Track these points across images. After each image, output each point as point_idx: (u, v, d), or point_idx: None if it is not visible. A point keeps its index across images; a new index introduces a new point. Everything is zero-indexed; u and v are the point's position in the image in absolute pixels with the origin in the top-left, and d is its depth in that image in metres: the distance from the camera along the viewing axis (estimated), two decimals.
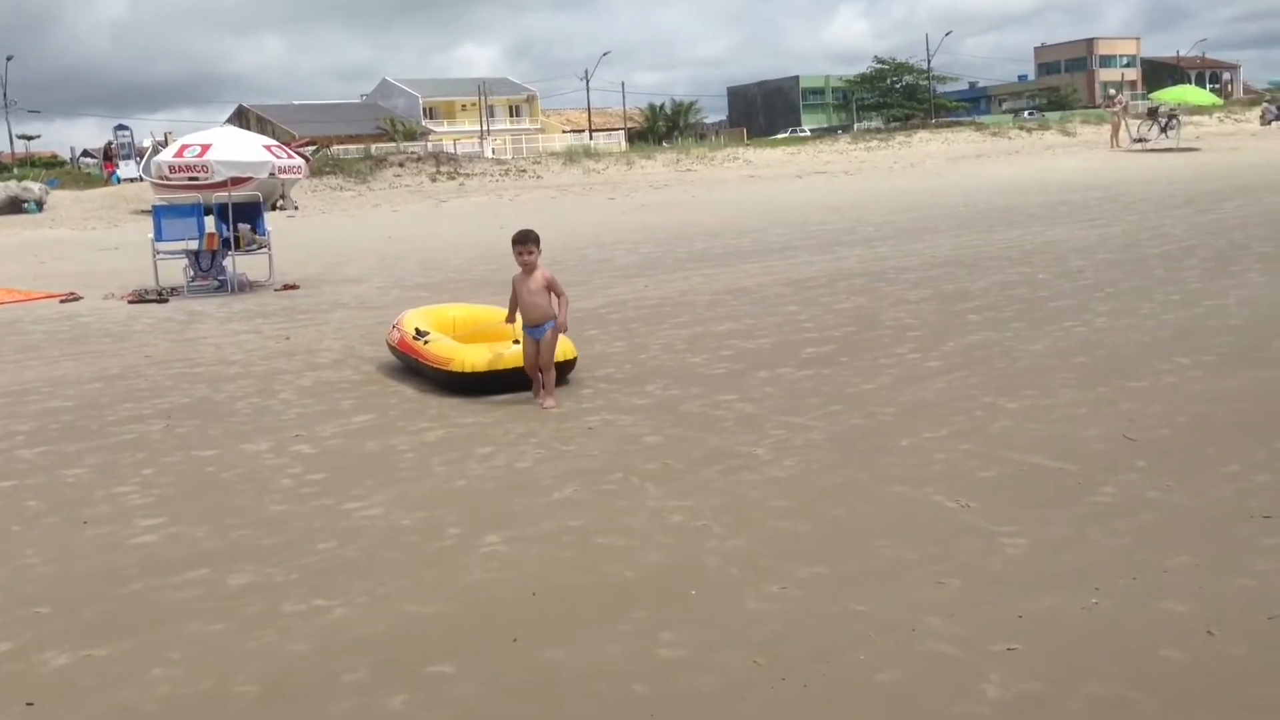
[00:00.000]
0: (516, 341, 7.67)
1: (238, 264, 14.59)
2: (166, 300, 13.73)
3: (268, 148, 25.50)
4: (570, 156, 44.01)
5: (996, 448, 6.07)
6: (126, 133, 43.00)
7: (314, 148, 46.34)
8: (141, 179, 33.33)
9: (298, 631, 4.21)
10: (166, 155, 26.30)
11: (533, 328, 7.44)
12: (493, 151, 57.45)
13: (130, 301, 13.76)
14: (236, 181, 18.98)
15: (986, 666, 3.67)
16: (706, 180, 36.25)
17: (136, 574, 4.86)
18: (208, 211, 14.62)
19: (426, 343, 8.16)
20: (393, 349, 8.80)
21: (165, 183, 24.78)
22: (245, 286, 14.46)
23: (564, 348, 7.72)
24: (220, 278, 14.47)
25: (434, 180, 37.94)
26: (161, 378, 9.12)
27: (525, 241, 7.45)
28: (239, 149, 24.01)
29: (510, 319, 7.80)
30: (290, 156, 26.45)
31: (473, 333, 8.59)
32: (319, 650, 4.04)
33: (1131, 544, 4.64)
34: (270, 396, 8.25)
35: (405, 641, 4.08)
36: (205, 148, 23.75)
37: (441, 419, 7.30)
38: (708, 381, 8.04)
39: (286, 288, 14.32)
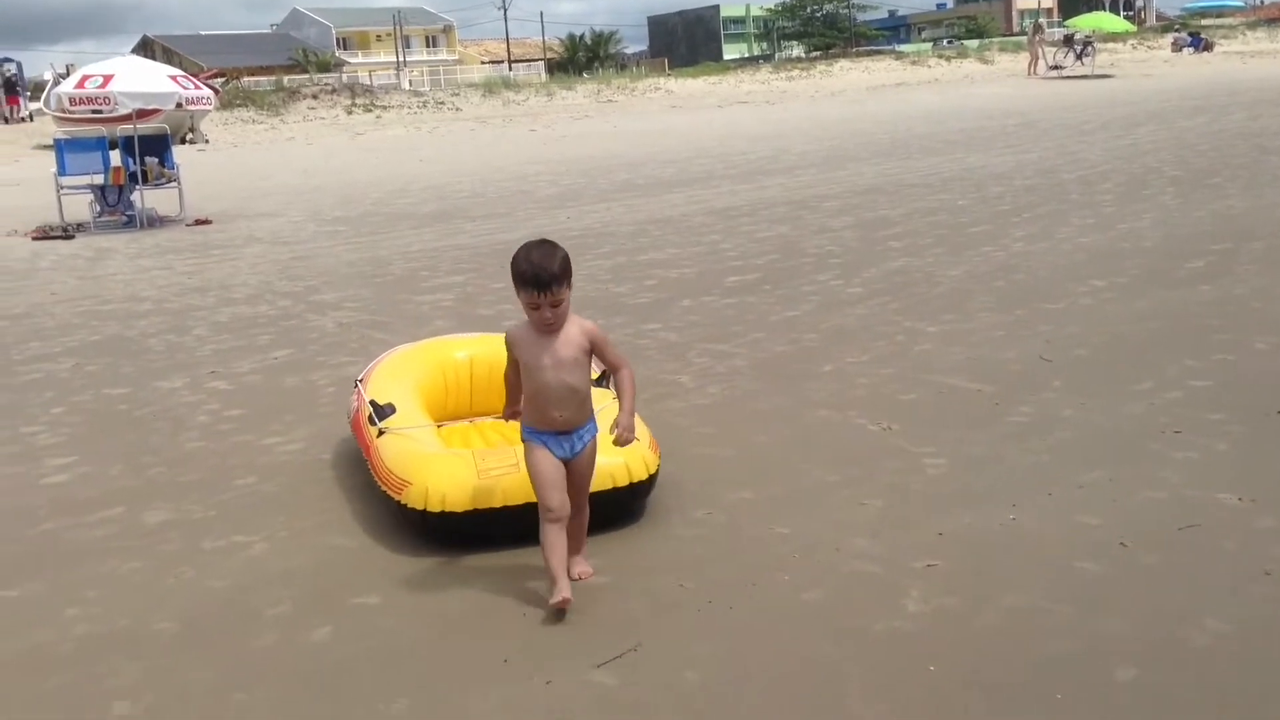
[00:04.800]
0: None
1: (146, 199, 14.16)
2: (73, 236, 13.30)
3: (173, 78, 24.75)
4: (489, 88, 43.23)
5: (917, 371, 6.14)
6: (12, 65, 40.33)
7: (223, 79, 44.94)
8: (42, 112, 32.10)
9: (218, 568, 4.14)
10: (67, 87, 25.38)
11: (557, 433, 3.74)
12: (410, 83, 56.25)
13: (35, 238, 13.31)
14: (142, 114, 18.34)
15: (907, 582, 3.73)
16: (628, 111, 35.92)
17: (48, 514, 4.74)
18: (113, 145, 14.16)
19: (381, 433, 4.56)
20: (350, 425, 5.13)
21: (67, 115, 23.92)
22: (155, 222, 14.05)
23: (634, 458, 4.22)
24: (128, 213, 14.04)
25: (349, 113, 37.04)
26: (69, 315, 8.84)
27: (548, 285, 3.57)
28: (143, 79, 23.25)
29: (511, 412, 3.95)
30: (198, 88, 25.70)
31: (487, 404, 5.09)
32: (240, 586, 3.98)
33: (1048, 461, 4.74)
34: (184, 333, 8.05)
35: (329, 574, 4.04)
36: (108, 78, 22.97)
37: (363, 352, 7.17)
38: (632, 311, 8.01)
39: (199, 223, 13.95)
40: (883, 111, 29.07)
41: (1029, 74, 41.31)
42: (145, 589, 3.99)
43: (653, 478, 4.30)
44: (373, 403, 4.74)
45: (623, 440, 3.73)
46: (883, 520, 4.25)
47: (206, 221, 14.01)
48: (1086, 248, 9.33)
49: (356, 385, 5.12)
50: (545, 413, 3.68)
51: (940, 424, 5.26)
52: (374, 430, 4.58)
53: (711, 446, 5.14)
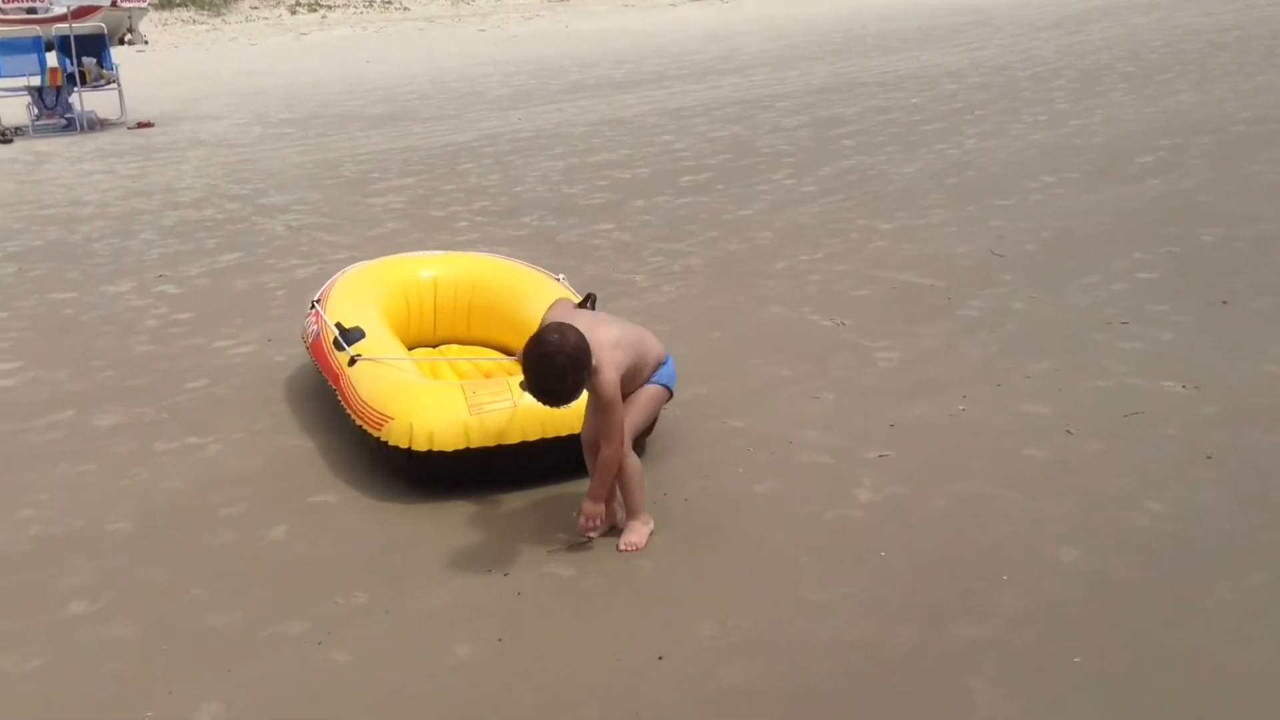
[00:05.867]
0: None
1: (85, 101, 13.75)
2: (10, 140, 12.91)
3: None
4: None
5: (870, 267, 6.17)
6: None
7: None
8: None
9: (172, 469, 4.12)
10: None
11: None
12: None
13: None
14: (78, 13, 17.73)
15: (859, 473, 3.80)
16: (580, 10, 35.18)
17: None
18: (49, 46, 13.70)
19: (353, 362, 4.10)
20: (309, 350, 4.61)
21: (0, 16, 23.05)
22: (95, 125, 13.65)
23: None
24: (67, 115, 13.63)
25: (294, 13, 35.99)
26: (10, 220, 8.63)
27: (556, 405, 3.29)
28: None
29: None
30: None
31: (453, 331, 4.84)
32: (195, 486, 3.97)
33: (997, 353, 4.81)
34: (130, 237, 7.89)
35: (285, 474, 4.03)
36: None
37: (314, 255, 7.10)
38: (584, 212, 7.95)
39: (140, 125, 13.58)
40: (838, 9, 28.68)
41: None
42: (99, 490, 3.97)
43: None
44: (339, 325, 4.26)
45: (580, 529, 3.40)
46: (835, 413, 4.30)
47: (148, 124, 13.65)
48: (1038, 144, 9.34)
49: (314, 307, 4.58)
50: None
51: (892, 319, 5.31)
52: (344, 357, 4.11)
53: (666, 344, 5.11)
